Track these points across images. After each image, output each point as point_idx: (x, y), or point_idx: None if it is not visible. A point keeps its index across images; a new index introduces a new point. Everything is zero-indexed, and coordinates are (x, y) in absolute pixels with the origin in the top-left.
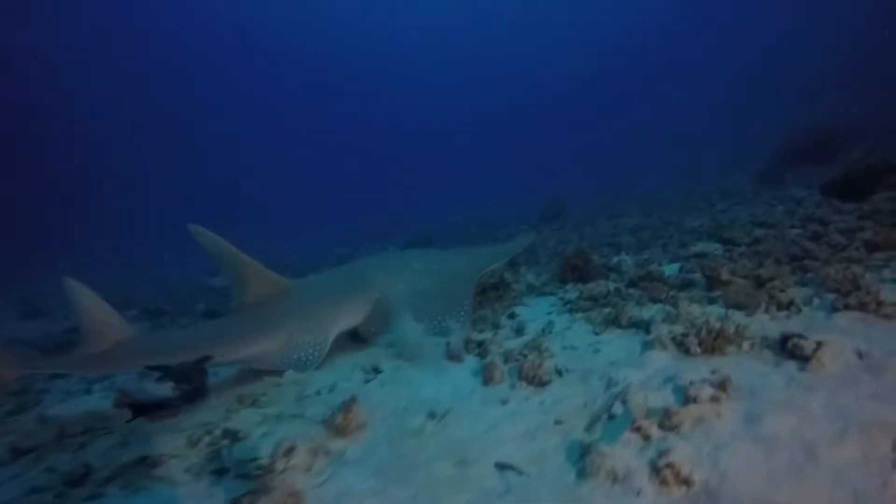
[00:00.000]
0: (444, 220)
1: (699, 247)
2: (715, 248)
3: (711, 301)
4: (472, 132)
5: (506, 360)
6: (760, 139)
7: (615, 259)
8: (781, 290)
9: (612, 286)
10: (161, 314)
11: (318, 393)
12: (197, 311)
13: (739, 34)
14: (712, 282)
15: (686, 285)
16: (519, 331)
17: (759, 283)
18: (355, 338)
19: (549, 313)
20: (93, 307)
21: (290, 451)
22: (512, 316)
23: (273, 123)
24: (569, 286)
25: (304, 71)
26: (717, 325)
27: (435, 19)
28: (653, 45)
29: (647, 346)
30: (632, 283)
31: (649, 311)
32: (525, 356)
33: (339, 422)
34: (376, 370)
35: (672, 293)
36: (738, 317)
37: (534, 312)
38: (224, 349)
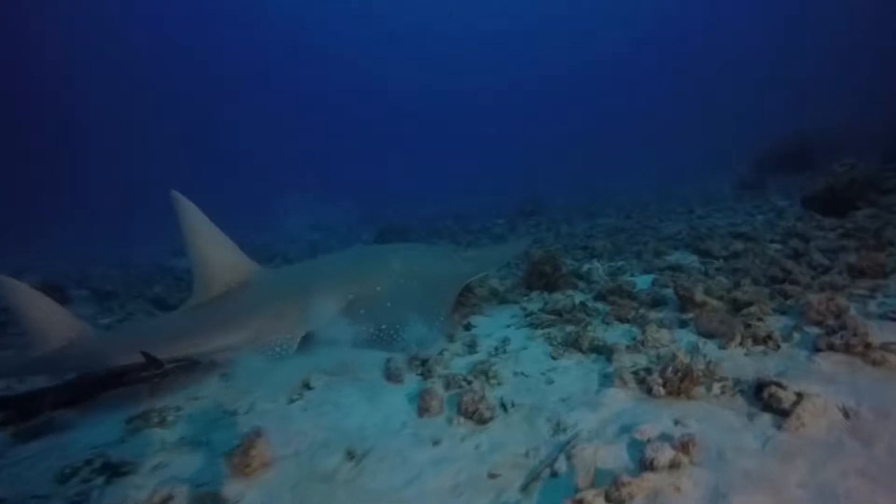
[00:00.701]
0: (419, 212)
1: (675, 257)
2: (691, 260)
3: (683, 324)
4: (453, 123)
5: (447, 386)
6: (743, 144)
7: (587, 266)
8: (759, 319)
9: (578, 299)
10: (111, 296)
11: (235, 413)
12: (148, 295)
13: (727, 36)
14: (685, 302)
15: (657, 303)
16: (471, 346)
17: (736, 306)
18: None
19: (508, 326)
20: (34, 306)
21: (166, 502)
22: (468, 327)
23: (246, 108)
24: (534, 294)
25: (276, 56)
26: (686, 362)
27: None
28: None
29: (607, 380)
30: (600, 297)
31: (614, 333)
32: (469, 383)
33: (237, 461)
34: (307, 386)
35: (641, 311)
36: (709, 348)
37: (492, 325)
38: (190, 341)
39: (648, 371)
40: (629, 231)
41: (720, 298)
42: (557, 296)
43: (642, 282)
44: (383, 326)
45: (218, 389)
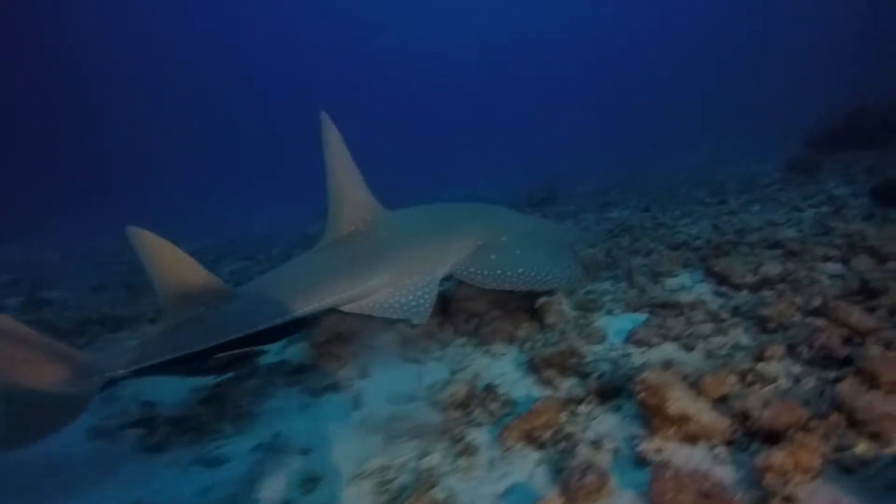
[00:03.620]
0: (432, 195)
1: (678, 282)
2: (700, 291)
3: (637, 465)
4: (471, 102)
5: None
6: (801, 117)
7: (543, 299)
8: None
9: (495, 370)
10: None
11: None
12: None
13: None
14: (651, 414)
15: (613, 392)
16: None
17: (749, 431)
18: None
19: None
20: (174, 262)
21: None
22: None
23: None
24: (450, 349)
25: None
26: None
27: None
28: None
29: None
30: (532, 367)
31: (504, 480)
32: None
33: None
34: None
35: (575, 410)
36: None
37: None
38: (335, 285)
39: None
40: (638, 231)
41: (721, 401)
42: (471, 359)
43: (615, 333)
44: (520, 270)
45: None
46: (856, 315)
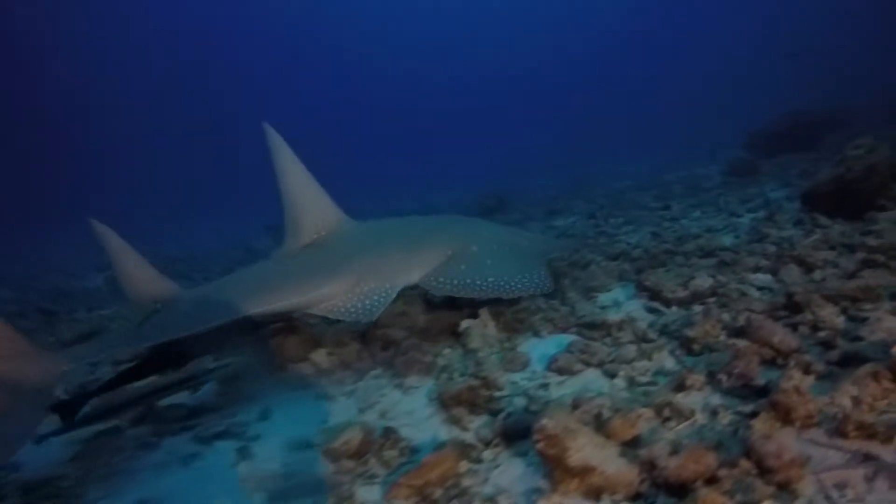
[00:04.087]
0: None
1: (611, 297)
2: (630, 308)
3: None
4: (420, 115)
5: None
6: (742, 122)
7: (465, 324)
8: None
9: (391, 422)
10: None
11: None
12: None
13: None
14: (551, 467)
15: (521, 433)
16: None
17: (655, 481)
18: None
19: None
20: (128, 259)
21: None
22: None
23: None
24: (375, 373)
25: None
26: None
27: None
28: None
29: None
30: (442, 404)
31: None
32: None
33: None
34: None
35: (479, 457)
36: None
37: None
38: (290, 290)
39: None
40: (578, 240)
41: (630, 448)
42: (382, 394)
43: (539, 356)
44: (490, 279)
45: None
46: (778, 335)
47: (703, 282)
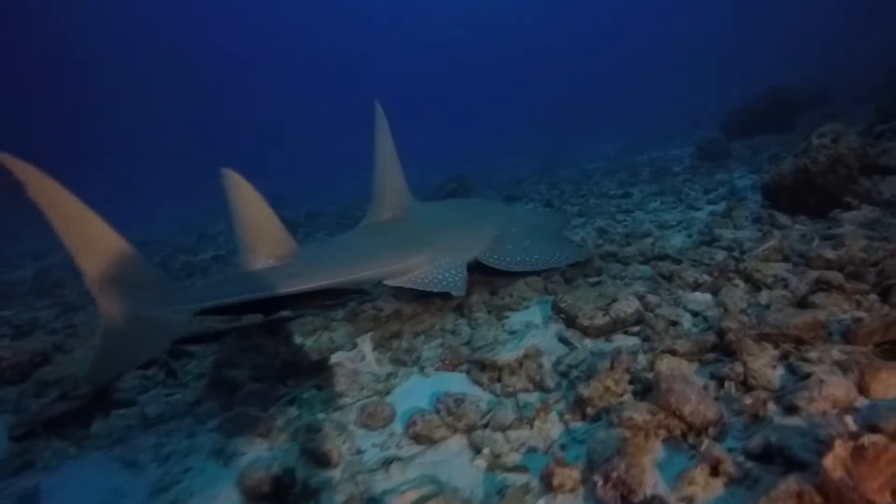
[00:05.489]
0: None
1: (524, 318)
2: (539, 338)
3: None
4: (388, 94)
5: None
6: (730, 97)
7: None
8: None
9: None
10: None
11: None
12: None
13: None
14: None
15: None
16: None
17: None
18: None
19: None
20: (262, 213)
21: None
22: None
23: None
24: (211, 425)
25: None
26: None
27: None
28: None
29: None
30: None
31: None
32: None
33: None
34: None
35: None
36: None
37: None
38: (380, 259)
39: None
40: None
41: None
42: (193, 467)
43: (408, 409)
44: (536, 257)
45: None
46: (692, 402)
47: (627, 305)
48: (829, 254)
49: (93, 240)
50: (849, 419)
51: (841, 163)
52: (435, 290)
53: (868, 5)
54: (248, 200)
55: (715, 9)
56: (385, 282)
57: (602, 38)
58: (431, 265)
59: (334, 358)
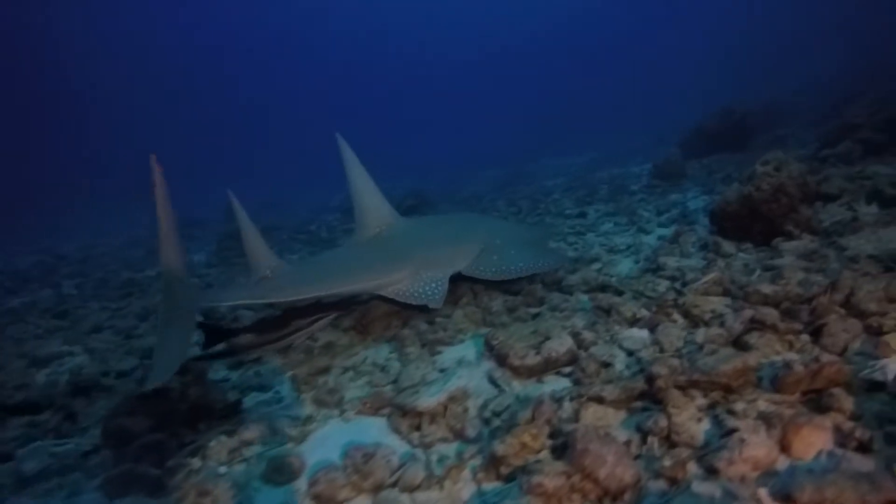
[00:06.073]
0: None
1: (456, 355)
2: (469, 378)
3: None
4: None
5: None
6: (696, 113)
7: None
8: None
9: None
10: None
11: None
12: None
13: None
14: None
15: None
16: None
17: None
18: None
19: None
20: (252, 233)
21: None
22: None
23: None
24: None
25: None
26: None
27: None
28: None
29: None
30: None
31: None
32: None
33: None
34: None
35: None
36: None
37: None
38: (365, 274)
39: None
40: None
41: None
42: None
43: (320, 460)
44: (521, 265)
45: None
46: (608, 465)
47: (560, 344)
48: (766, 289)
49: (173, 238)
50: (762, 491)
51: (782, 191)
52: (413, 303)
53: (824, 27)
54: (244, 222)
55: (687, 24)
56: (367, 291)
57: (576, 53)
58: (412, 279)
59: (254, 397)
